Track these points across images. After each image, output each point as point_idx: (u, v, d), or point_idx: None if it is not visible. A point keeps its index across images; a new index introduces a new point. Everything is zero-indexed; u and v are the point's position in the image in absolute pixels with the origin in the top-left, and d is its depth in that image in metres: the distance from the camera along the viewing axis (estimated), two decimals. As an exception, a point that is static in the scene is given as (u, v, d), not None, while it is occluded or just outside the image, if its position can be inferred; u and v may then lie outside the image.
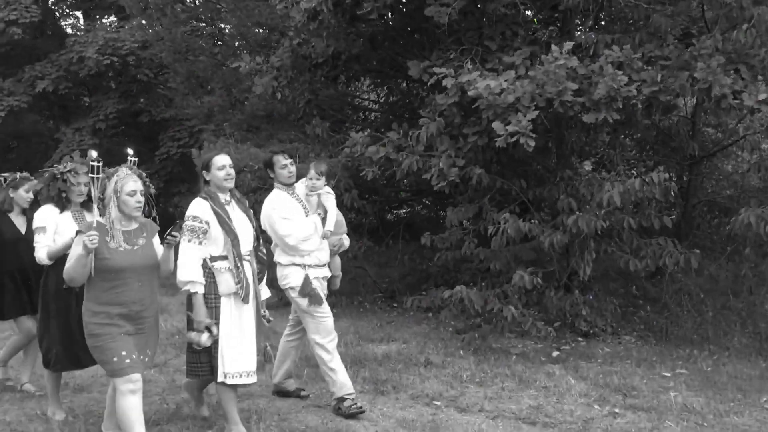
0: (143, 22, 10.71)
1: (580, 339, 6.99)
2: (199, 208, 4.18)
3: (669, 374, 5.88)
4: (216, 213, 4.18)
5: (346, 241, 5.13)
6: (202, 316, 4.07)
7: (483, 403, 5.07)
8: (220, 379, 4.16)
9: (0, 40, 13.78)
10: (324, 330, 4.76)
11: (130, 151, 3.83)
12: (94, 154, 3.66)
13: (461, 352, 6.48)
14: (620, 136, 8.39)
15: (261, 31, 8.90)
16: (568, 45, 5.79)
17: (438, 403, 5.08)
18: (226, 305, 4.19)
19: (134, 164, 3.98)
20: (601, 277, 8.15)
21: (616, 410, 4.94)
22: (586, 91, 6.05)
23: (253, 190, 8.99)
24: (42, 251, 4.46)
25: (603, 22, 8.16)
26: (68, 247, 3.96)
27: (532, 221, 6.55)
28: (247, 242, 4.30)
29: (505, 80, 5.89)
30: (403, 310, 8.42)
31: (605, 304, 7.19)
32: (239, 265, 4.19)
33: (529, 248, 7.03)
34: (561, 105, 5.95)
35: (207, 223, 4.14)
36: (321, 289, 4.83)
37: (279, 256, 4.81)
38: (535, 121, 5.89)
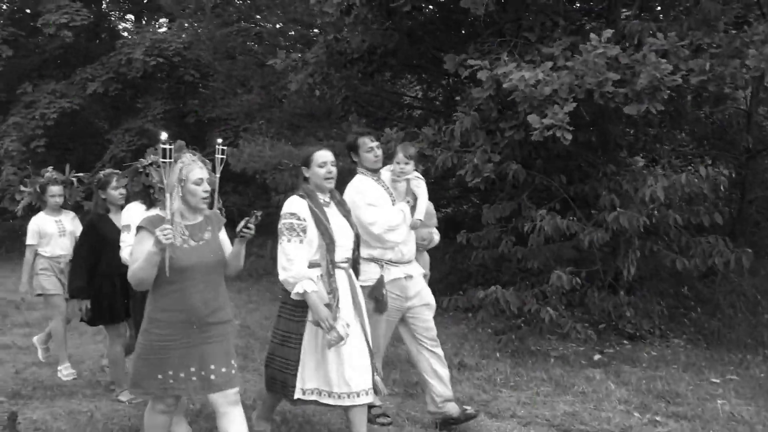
0: (185, 24, 10.77)
1: (625, 342, 6.68)
2: (296, 205, 3.74)
3: (718, 380, 5.55)
4: (313, 213, 3.73)
5: (436, 236, 4.69)
6: (323, 314, 3.58)
7: (515, 409, 4.85)
8: (297, 395, 3.74)
9: (53, 44, 14.19)
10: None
11: (164, 135, 3.19)
12: (164, 135, 3.13)
13: (498, 355, 6.26)
14: (670, 129, 8.00)
15: (298, 27, 8.83)
16: (608, 32, 5.50)
17: (468, 407, 4.87)
18: None
19: (192, 151, 3.57)
20: (650, 277, 7.78)
21: (658, 418, 4.66)
22: (629, 81, 5.77)
23: (291, 188, 8.99)
24: (126, 250, 4.27)
25: (649, 11, 7.80)
26: None
27: (572, 219, 6.27)
28: (344, 249, 3.82)
29: (542, 71, 5.63)
30: (442, 310, 8.21)
31: (652, 305, 6.84)
32: (332, 273, 3.72)
33: (571, 247, 6.74)
34: (601, 96, 5.66)
35: (305, 221, 3.72)
36: (408, 288, 4.38)
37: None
38: (575, 113, 5.63)
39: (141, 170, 4.24)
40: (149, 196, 4.24)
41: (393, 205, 4.32)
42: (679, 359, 6.13)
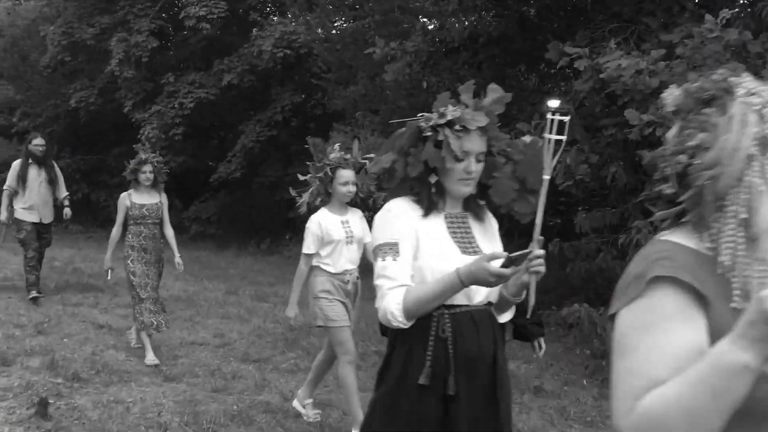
0: (308, 17, 10.71)
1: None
2: None
3: None
4: None
5: None
6: None
7: (579, 450, 4.18)
8: None
9: (196, 37, 14.81)
10: None
11: (554, 102, 2.18)
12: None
13: (584, 382, 5.53)
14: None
15: (399, 15, 8.44)
16: (725, 12, 4.62)
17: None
18: None
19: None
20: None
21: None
22: (759, 73, 4.83)
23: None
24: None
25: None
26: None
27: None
28: None
29: (645, 60, 4.84)
30: (544, 323, 7.51)
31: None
32: None
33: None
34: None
35: None
36: None
37: None
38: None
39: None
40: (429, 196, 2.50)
41: None
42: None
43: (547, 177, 2.14)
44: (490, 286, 2.13)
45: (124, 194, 5.94)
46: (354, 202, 4.31)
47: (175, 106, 13.90)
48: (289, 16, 13.59)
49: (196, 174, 15.62)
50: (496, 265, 2.01)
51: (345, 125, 12.60)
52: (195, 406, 4.62)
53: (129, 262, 5.82)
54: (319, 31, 10.19)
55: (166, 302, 8.37)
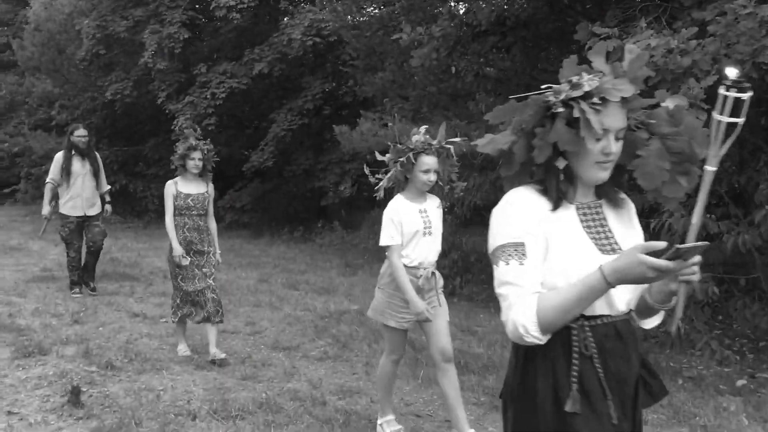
0: (336, 5, 10.65)
1: (782, 367, 5.53)
2: None
3: None
4: None
5: None
6: None
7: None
8: None
9: (228, 27, 14.88)
10: None
11: (733, 70, 1.84)
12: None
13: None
14: None
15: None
16: (760, -13, 4.46)
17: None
18: None
19: None
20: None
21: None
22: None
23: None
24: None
25: None
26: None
27: (711, 216, 5.23)
28: None
29: (676, 39, 4.70)
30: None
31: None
32: None
33: (718, 249, 5.68)
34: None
35: None
36: None
37: None
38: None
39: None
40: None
41: None
42: None
43: (712, 169, 1.78)
44: (646, 283, 1.73)
45: (170, 182, 5.60)
46: (431, 190, 4.00)
47: (208, 96, 14.01)
48: (318, 3, 13.53)
49: (230, 163, 15.73)
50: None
51: (374, 112, 12.59)
52: (224, 394, 4.67)
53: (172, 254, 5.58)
54: (348, 18, 10.13)
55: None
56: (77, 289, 7.84)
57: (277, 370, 5.32)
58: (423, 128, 3.94)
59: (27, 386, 4.72)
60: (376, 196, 4.05)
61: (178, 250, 5.44)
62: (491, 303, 7.92)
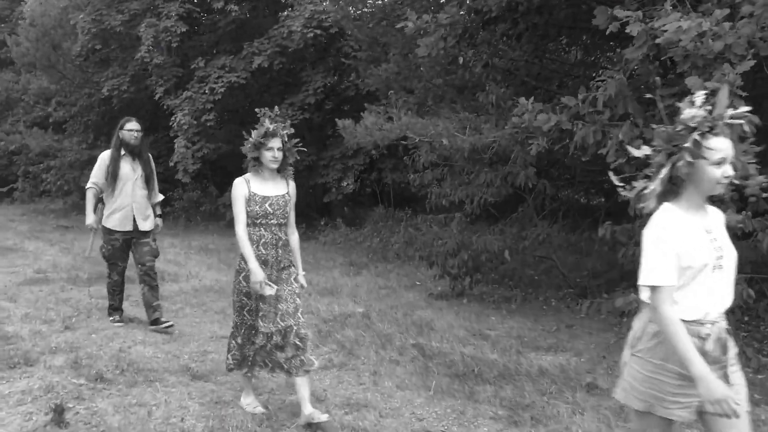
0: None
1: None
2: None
3: None
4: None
5: None
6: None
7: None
8: None
9: (226, 20, 14.52)
10: None
11: None
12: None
13: (641, 376, 5.08)
14: None
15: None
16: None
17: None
18: None
19: None
20: None
21: None
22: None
23: (431, 165, 8.20)
24: None
25: None
26: None
27: (745, 213, 4.86)
28: None
29: (708, 21, 4.33)
30: (594, 312, 7.06)
31: None
32: None
33: (753, 248, 5.33)
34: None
35: None
36: None
37: None
38: (753, 74, 4.29)
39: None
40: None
41: None
42: None
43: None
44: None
45: (239, 180, 4.13)
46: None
47: (206, 91, 13.67)
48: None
49: (231, 159, 15.40)
50: None
51: (378, 105, 12.22)
52: (221, 409, 4.34)
53: (241, 278, 4.15)
54: (351, 9, 9.76)
55: (198, 293, 8.20)
56: (117, 316, 6.63)
57: (279, 380, 4.97)
58: (701, 95, 2.57)
59: (9, 402, 4.38)
60: (645, 209, 2.57)
61: (259, 274, 3.97)
62: (503, 304, 7.57)
